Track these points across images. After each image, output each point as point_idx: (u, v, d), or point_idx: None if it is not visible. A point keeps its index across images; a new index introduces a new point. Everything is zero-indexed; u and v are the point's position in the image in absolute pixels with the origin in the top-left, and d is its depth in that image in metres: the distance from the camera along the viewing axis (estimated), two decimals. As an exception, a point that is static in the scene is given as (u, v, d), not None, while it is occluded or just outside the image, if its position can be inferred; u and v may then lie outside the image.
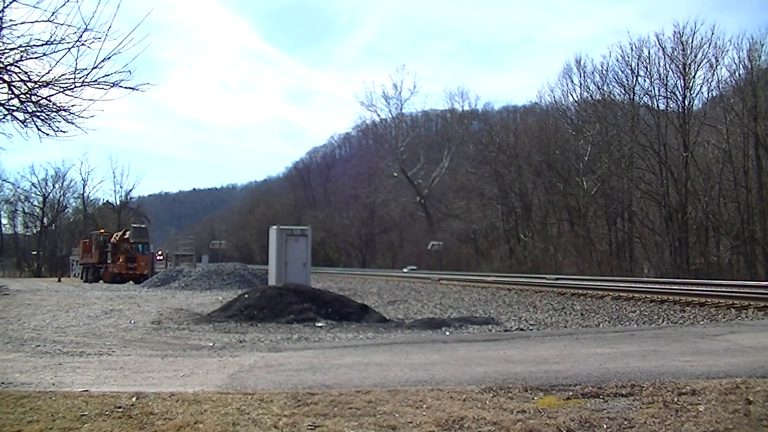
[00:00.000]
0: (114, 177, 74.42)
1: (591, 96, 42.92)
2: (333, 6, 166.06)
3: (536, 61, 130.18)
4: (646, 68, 37.14)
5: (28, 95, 5.35)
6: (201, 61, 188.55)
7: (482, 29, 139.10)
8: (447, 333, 10.94)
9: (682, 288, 17.78)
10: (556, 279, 26.86)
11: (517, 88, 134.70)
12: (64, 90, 5.31)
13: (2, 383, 6.20)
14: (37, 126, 5.50)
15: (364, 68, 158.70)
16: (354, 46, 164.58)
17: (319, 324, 12.07)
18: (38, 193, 65.31)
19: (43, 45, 5.05)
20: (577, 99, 45.02)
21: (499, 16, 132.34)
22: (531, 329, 11.35)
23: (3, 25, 5.08)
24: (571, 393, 5.52)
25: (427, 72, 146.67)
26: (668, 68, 35.73)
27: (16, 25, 5.03)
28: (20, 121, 5.46)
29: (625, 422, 4.53)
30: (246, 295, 14.42)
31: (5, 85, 5.26)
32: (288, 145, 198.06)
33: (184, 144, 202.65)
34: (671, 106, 36.19)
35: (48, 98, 5.38)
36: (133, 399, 5.30)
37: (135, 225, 40.60)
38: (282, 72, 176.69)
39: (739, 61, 34.09)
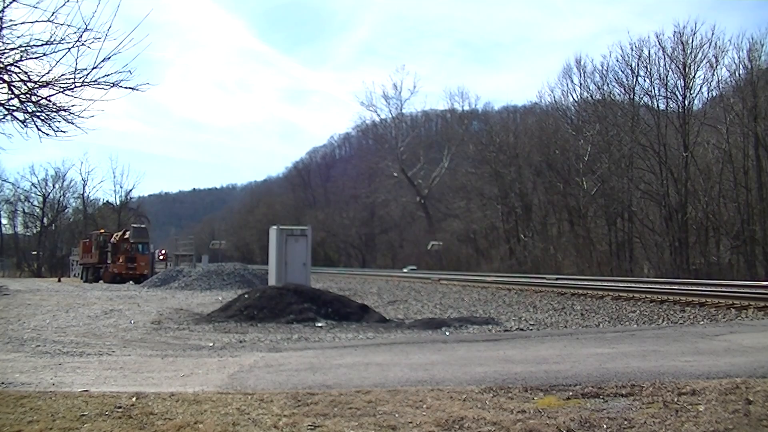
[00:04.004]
0: (114, 177, 74.51)
1: (591, 96, 43.00)
2: (328, 5, 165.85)
3: (533, 61, 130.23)
4: (646, 68, 37.20)
5: (28, 95, 5.35)
6: (197, 60, 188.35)
7: (478, 28, 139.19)
8: (447, 333, 10.94)
9: (682, 288, 17.78)
10: (556, 279, 26.86)
11: (515, 88, 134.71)
12: (64, 90, 5.31)
13: (2, 383, 6.20)
14: (37, 126, 5.50)
15: (361, 68, 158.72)
16: (350, 46, 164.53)
17: (319, 324, 12.07)
18: (38, 193, 65.35)
19: (43, 45, 5.06)
20: (577, 99, 45.12)
21: (494, 15, 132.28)
22: (531, 329, 11.35)
23: (3, 25, 5.08)
24: (571, 393, 5.52)
25: (425, 71, 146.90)
26: (668, 68, 35.79)
27: (16, 25, 5.04)
28: (20, 121, 5.47)
29: (625, 422, 4.53)
30: (246, 295, 14.41)
31: (5, 85, 5.26)
32: (286, 145, 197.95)
33: (182, 144, 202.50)
34: (671, 106, 36.25)
35: (48, 98, 5.39)
36: (133, 399, 5.30)
37: (135, 225, 40.57)
38: (278, 71, 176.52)
39: (739, 61, 34.15)
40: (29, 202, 66.38)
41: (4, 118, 5.48)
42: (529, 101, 65.84)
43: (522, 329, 11.34)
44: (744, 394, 5.23)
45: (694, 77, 35.08)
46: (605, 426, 4.47)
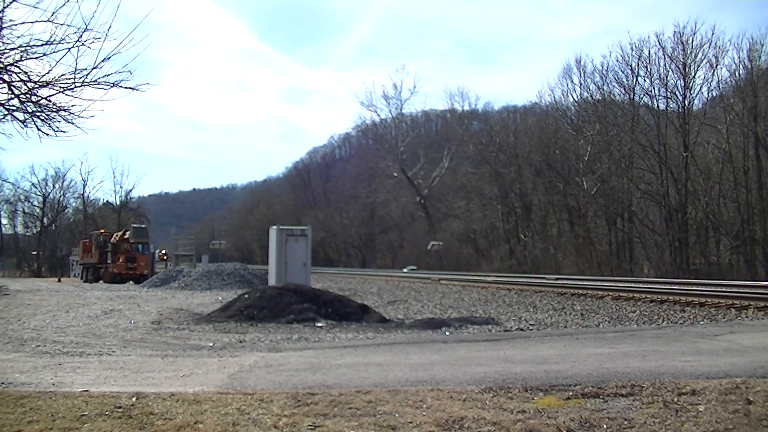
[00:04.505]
0: (114, 177, 74.59)
1: (591, 96, 43.02)
2: (328, 5, 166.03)
3: (532, 61, 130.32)
4: (646, 68, 37.21)
5: (28, 95, 5.35)
6: (197, 60, 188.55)
7: (477, 28, 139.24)
8: (447, 333, 10.94)
9: (682, 288, 17.78)
10: (556, 279, 26.86)
11: (515, 88, 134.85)
12: (64, 90, 5.31)
13: (2, 383, 6.20)
14: (37, 126, 5.50)
15: (360, 67, 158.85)
16: (349, 45, 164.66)
17: (319, 324, 12.07)
18: (38, 193, 65.34)
19: (43, 45, 5.06)
20: (577, 99, 45.12)
21: (493, 15, 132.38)
22: (531, 329, 11.35)
23: (3, 25, 5.08)
24: (571, 393, 5.52)
25: (424, 71, 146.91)
26: (668, 68, 35.81)
27: (16, 25, 5.04)
28: (20, 121, 5.47)
29: (625, 422, 4.53)
30: (246, 295, 14.41)
31: (5, 85, 5.26)
32: (285, 145, 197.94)
33: (181, 144, 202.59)
34: (671, 106, 36.26)
35: (48, 98, 5.39)
36: (133, 399, 5.30)
37: (135, 225, 40.57)
38: (278, 71, 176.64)
39: (739, 61, 34.18)
40: (29, 202, 66.49)
41: (4, 118, 5.48)
42: (529, 101, 65.95)
43: (522, 329, 11.34)
44: (744, 394, 5.23)
45: (694, 77, 35.15)
46: (605, 426, 4.47)
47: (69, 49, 5.06)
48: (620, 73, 39.31)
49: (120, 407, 5.02)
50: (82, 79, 5.24)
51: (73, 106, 5.44)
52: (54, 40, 5.00)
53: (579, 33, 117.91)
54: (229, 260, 46.18)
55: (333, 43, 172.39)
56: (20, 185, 65.95)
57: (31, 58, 5.16)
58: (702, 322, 11.63)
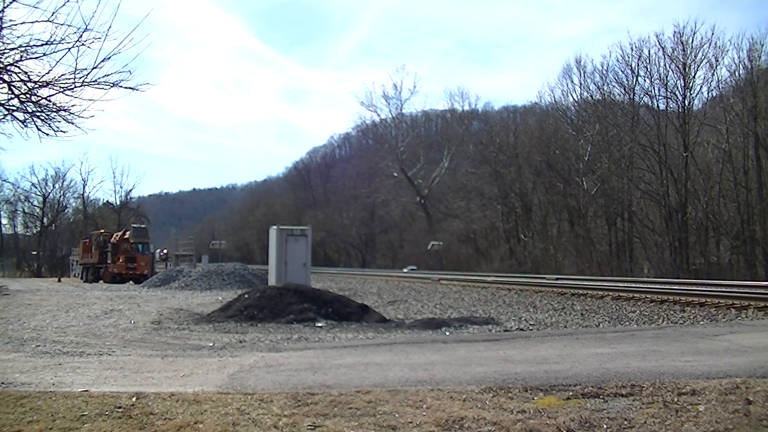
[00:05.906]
0: (114, 177, 74.55)
1: (591, 96, 43.03)
2: (326, 4, 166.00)
3: (531, 61, 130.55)
4: (646, 68, 37.24)
5: (28, 95, 5.35)
6: (195, 60, 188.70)
7: (476, 28, 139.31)
8: (447, 333, 10.94)
9: (682, 288, 17.78)
10: (556, 279, 26.85)
11: (515, 88, 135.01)
12: (64, 90, 5.31)
13: (2, 383, 6.20)
14: (37, 126, 5.50)
15: (360, 67, 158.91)
16: (348, 45, 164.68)
17: (319, 324, 12.07)
18: (38, 193, 65.36)
19: (43, 45, 5.06)
20: (577, 99, 45.15)
21: (492, 15, 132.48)
22: (531, 329, 11.35)
23: (3, 25, 5.09)
24: (571, 393, 5.52)
25: (423, 71, 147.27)
26: (668, 68, 35.83)
27: (16, 25, 5.04)
28: (20, 121, 5.47)
29: (625, 422, 4.54)
30: (246, 295, 14.41)
31: (5, 85, 5.26)
32: (285, 145, 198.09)
33: (180, 144, 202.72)
34: (671, 106, 36.29)
35: (48, 98, 5.39)
36: (133, 399, 5.30)
37: (135, 225, 40.57)
38: (277, 71, 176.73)
39: (739, 61, 34.19)
40: (29, 202, 66.51)
41: (4, 118, 5.48)
42: (529, 101, 66.07)
43: (522, 329, 11.34)
44: (744, 394, 5.23)
45: (694, 77, 35.18)
46: (605, 426, 4.47)
47: (69, 49, 5.07)
48: (620, 73, 39.41)
49: (120, 407, 5.02)
50: (82, 79, 5.24)
51: (73, 106, 5.45)
52: (54, 40, 5.01)
53: (579, 33, 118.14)
54: (229, 260, 46.22)
55: (332, 42, 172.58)
56: (20, 185, 66.10)
57: (31, 58, 5.16)
58: (702, 322, 11.63)
